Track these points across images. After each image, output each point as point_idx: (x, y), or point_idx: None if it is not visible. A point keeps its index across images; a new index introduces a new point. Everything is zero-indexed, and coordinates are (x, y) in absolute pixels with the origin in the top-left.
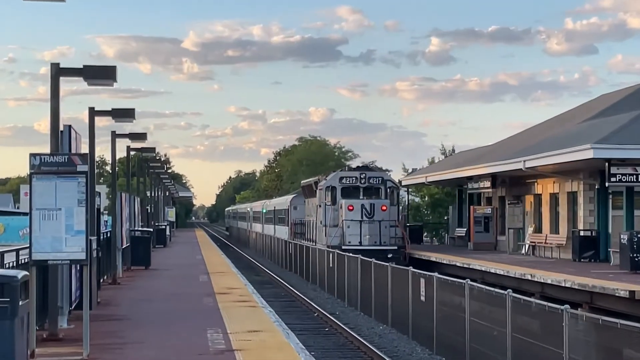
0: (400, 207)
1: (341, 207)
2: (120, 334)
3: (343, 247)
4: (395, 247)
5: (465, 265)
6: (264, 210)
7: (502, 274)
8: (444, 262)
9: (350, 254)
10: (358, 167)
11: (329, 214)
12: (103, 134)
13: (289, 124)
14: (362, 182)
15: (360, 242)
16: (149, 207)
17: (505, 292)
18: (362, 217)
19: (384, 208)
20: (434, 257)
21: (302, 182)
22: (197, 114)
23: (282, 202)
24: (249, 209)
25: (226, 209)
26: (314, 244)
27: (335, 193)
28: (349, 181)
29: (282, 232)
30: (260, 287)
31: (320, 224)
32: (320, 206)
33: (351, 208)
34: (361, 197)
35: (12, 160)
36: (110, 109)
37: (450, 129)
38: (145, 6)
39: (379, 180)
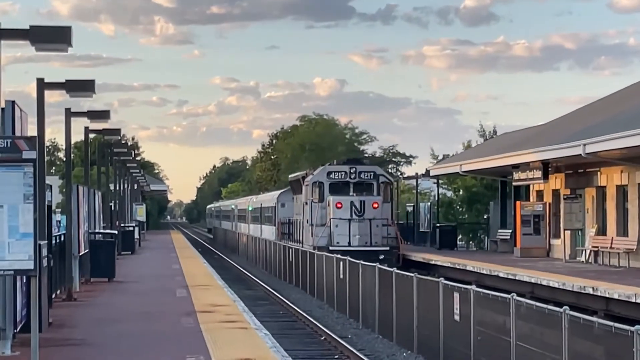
0: (394, 204)
1: (329, 205)
2: None
3: (330, 248)
4: (388, 248)
5: (510, 276)
6: (250, 208)
7: (557, 286)
8: (471, 268)
9: (353, 259)
10: (348, 159)
11: (315, 212)
12: (55, 112)
13: (288, 99)
14: (352, 177)
15: (349, 243)
16: (112, 204)
17: (561, 310)
18: (351, 215)
19: (376, 205)
20: (447, 262)
21: (290, 176)
22: (173, 86)
23: (268, 198)
24: (233, 206)
25: (208, 207)
26: (301, 245)
27: (323, 189)
28: (338, 176)
29: (269, 232)
30: (252, 303)
31: (306, 223)
32: (306, 203)
33: (339, 205)
34: (351, 193)
35: None
36: (63, 81)
37: (490, 105)
38: None
39: (370, 175)
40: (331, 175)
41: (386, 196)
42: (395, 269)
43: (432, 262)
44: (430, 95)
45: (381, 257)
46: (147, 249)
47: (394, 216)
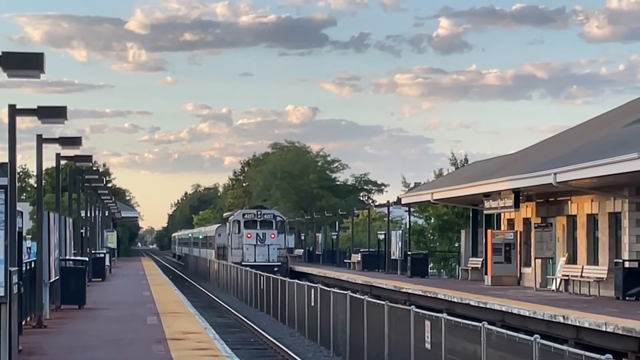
0: (286, 235)
1: (243, 235)
2: None
3: (243, 264)
4: (280, 264)
5: (481, 305)
6: (200, 237)
7: (528, 315)
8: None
9: (323, 286)
10: (256, 206)
11: (234, 240)
12: (26, 139)
13: (260, 127)
14: (259, 217)
15: (255, 260)
16: (83, 231)
17: (532, 339)
18: (256, 242)
19: (273, 236)
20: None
21: (224, 215)
22: (145, 113)
23: (211, 230)
24: (190, 234)
25: (172, 235)
26: (227, 262)
27: (240, 225)
28: (249, 216)
29: (211, 254)
30: (223, 331)
31: (229, 247)
32: (229, 234)
33: (249, 236)
34: (257, 228)
35: None
36: (35, 107)
37: (462, 134)
38: None
39: (271, 216)
40: (245, 216)
41: (281, 230)
42: (351, 291)
43: (307, 272)
44: (403, 123)
45: (275, 269)
46: (118, 276)
47: (286, 243)
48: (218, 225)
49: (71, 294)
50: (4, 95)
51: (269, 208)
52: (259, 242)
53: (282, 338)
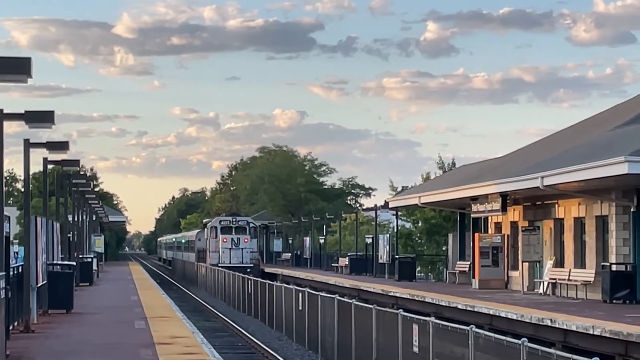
0: (258, 240)
1: (219, 240)
2: None
3: (219, 265)
4: (252, 265)
5: (468, 308)
6: (183, 241)
7: (515, 318)
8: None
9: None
10: (232, 213)
11: (212, 244)
12: (13, 143)
13: (247, 131)
14: (234, 223)
15: (230, 262)
16: (70, 235)
17: (519, 342)
18: (232, 246)
19: (246, 240)
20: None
21: (203, 221)
22: (133, 117)
23: (192, 234)
24: (174, 239)
25: (158, 239)
26: (205, 263)
27: (217, 230)
28: (226, 223)
29: (192, 257)
30: (211, 335)
31: (208, 250)
32: (207, 239)
33: (225, 240)
34: (233, 233)
35: None
36: (22, 112)
37: (450, 137)
38: None
39: (245, 222)
40: (222, 222)
41: (253, 235)
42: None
43: (278, 273)
44: (390, 127)
45: (248, 270)
46: (106, 281)
47: (258, 247)
48: (198, 230)
49: (59, 298)
50: None
51: (243, 215)
52: (233, 246)
53: (269, 342)
